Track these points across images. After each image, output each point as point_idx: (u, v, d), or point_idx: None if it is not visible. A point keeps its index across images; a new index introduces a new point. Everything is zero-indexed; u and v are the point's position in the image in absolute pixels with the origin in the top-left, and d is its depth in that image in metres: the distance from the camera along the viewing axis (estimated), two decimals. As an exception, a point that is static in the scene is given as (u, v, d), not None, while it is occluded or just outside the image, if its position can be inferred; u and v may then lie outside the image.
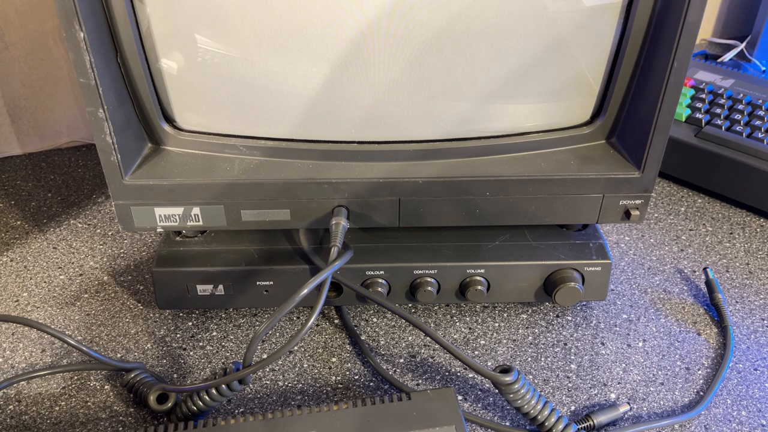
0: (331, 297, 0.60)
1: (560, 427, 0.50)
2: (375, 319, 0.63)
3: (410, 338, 0.61)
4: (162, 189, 0.54)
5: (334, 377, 0.57)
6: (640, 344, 0.60)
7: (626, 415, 0.54)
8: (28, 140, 0.87)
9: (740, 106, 0.82)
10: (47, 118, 0.86)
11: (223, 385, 0.51)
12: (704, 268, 0.66)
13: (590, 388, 0.56)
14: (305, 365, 0.58)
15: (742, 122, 0.79)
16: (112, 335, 0.61)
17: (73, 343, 0.55)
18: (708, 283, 0.65)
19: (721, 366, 0.57)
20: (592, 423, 0.52)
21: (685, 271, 0.69)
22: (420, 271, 0.59)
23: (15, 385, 0.55)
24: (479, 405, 0.55)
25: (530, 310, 0.64)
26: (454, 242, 0.61)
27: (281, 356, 0.55)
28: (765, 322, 0.63)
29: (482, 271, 0.59)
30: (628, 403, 0.54)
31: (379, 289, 0.59)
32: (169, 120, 0.55)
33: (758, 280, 0.68)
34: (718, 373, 0.56)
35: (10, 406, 0.54)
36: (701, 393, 0.55)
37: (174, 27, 0.49)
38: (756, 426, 0.53)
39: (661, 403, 0.55)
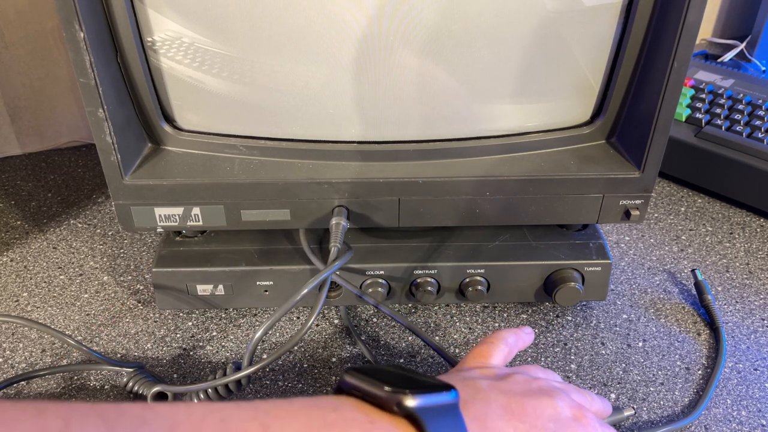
0: (331, 297, 0.60)
1: None
2: (375, 319, 0.63)
3: (410, 338, 0.61)
4: (162, 189, 0.54)
5: (334, 377, 0.57)
6: (640, 344, 0.60)
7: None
8: (28, 140, 0.87)
9: (740, 106, 0.82)
10: (47, 118, 0.86)
11: (223, 386, 0.51)
12: (692, 270, 0.66)
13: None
14: (305, 365, 0.58)
15: (742, 122, 0.79)
16: (112, 335, 0.61)
17: (73, 343, 0.55)
18: (697, 284, 0.65)
19: (715, 368, 0.57)
20: None
21: (686, 271, 0.69)
22: (420, 271, 0.59)
23: (15, 385, 0.55)
24: (479, 405, 0.55)
25: (530, 310, 0.64)
26: (454, 242, 0.61)
27: (281, 356, 0.55)
28: (765, 322, 0.63)
29: (482, 271, 0.59)
30: (633, 408, 0.54)
31: (379, 289, 0.59)
32: (169, 120, 0.55)
33: (758, 280, 0.68)
34: (713, 376, 0.56)
35: (10, 406, 0.54)
36: (701, 393, 0.55)
37: (174, 27, 0.49)
38: (756, 426, 0.53)
39: (661, 403, 0.55)
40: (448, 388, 0.34)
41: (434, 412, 0.32)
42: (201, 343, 0.60)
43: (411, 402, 0.31)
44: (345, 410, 0.32)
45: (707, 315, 0.63)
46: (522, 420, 0.37)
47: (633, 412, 0.53)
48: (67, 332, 0.61)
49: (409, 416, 0.31)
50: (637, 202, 0.58)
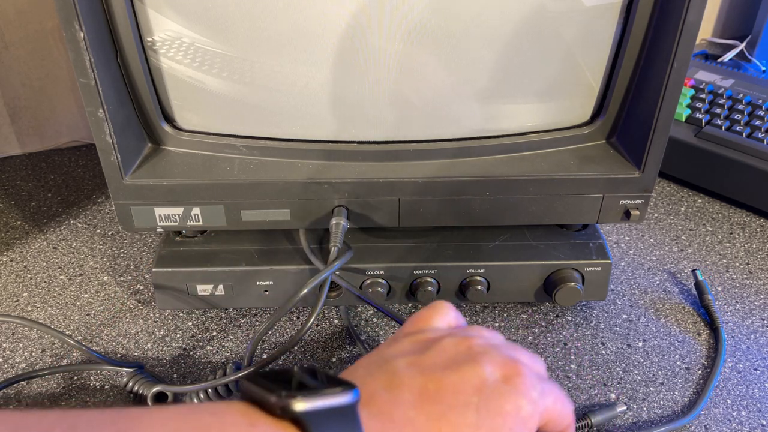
0: (331, 297, 0.60)
1: None
2: (375, 319, 0.63)
3: (410, 338, 0.61)
4: (162, 189, 0.54)
5: (334, 377, 0.57)
6: (640, 344, 0.60)
7: (625, 416, 0.53)
8: (28, 140, 0.87)
9: (740, 106, 0.82)
10: (47, 118, 0.86)
11: (223, 386, 0.51)
12: (692, 270, 0.66)
13: (590, 388, 0.56)
14: (305, 365, 0.58)
15: (742, 122, 0.79)
16: (112, 335, 0.61)
17: (73, 343, 0.55)
18: (697, 285, 0.65)
19: (713, 368, 0.57)
20: (589, 422, 0.52)
21: (686, 271, 0.69)
22: (420, 271, 0.59)
23: (15, 385, 0.55)
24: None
25: (530, 310, 0.64)
26: (454, 242, 0.61)
27: (281, 356, 0.55)
28: (765, 322, 0.63)
29: (482, 271, 0.59)
30: (626, 404, 0.54)
31: (379, 289, 0.59)
32: (169, 120, 0.55)
33: (758, 280, 0.68)
34: (711, 375, 0.56)
35: (10, 406, 0.54)
36: (701, 393, 0.55)
37: (174, 27, 0.49)
38: (756, 426, 0.53)
39: (661, 403, 0.55)
40: (349, 388, 0.32)
41: (323, 415, 0.30)
42: (201, 343, 0.60)
43: (298, 406, 0.30)
44: (227, 414, 0.31)
45: (707, 315, 0.63)
46: (437, 401, 0.33)
47: (625, 407, 0.53)
48: (67, 332, 0.61)
49: (295, 420, 0.30)
50: (637, 202, 0.58)
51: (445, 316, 0.42)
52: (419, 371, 0.35)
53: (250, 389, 0.32)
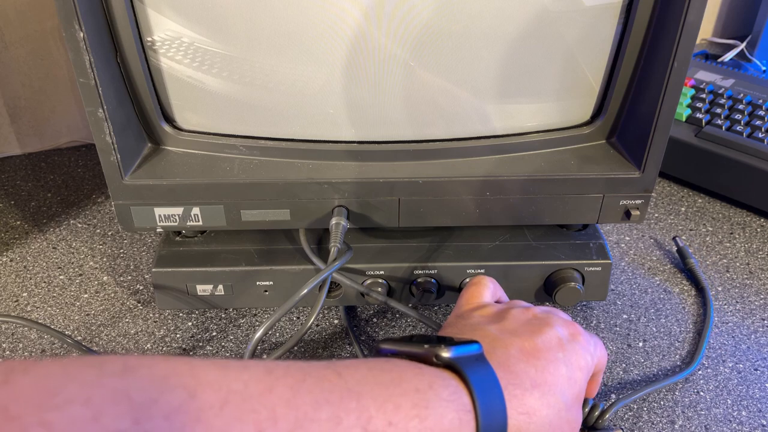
0: (331, 297, 0.60)
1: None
2: (375, 319, 0.63)
3: (410, 338, 0.61)
4: (162, 189, 0.54)
5: (334, 377, 0.57)
6: (640, 344, 0.60)
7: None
8: (28, 140, 0.87)
9: (740, 106, 0.82)
10: (47, 118, 0.86)
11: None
12: (673, 237, 0.70)
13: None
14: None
15: (742, 122, 0.79)
16: (112, 335, 0.61)
17: (73, 343, 0.55)
18: (679, 251, 0.69)
19: (705, 324, 0.61)
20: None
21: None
22: (420, 271, 0.59)
23: (15, 385, 0.55)
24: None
25: (530, 310, 0.64)
26: (454, 242, 0.61)
27: (281, 356, 0.55)
28: (765, 322, 0.63)
29: (482, 271, 0.59)
30: (622, 428, 0.52)
31: (379, 289, 0.59)
32: (169, 120, 0.55)
33: (758, 280, 0.68)
34: (703, 333, 0.60)
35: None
36: (701, 393, 0.55)
37: (174, 27, 0.49)
38: (756, 426, 0.53)
39: (662, 403, 0.55)
40: (471, 341, 0.37)
41: (467, 360, 0.36)
42: (201, 343, 0.60)
43: (447, 353, 0.36)
44: (396, 362, 0.36)
45: (692, 277, 0.67)
46: (538, 358, 0.39)
47: None
48: (66, 332, 0.61)
49: (448, 365, 0.36)
50: (638, 202, 0.58)
51: (488, 289, 0.49)
52: (512, 335, 0.41)
53: (394, 348, 0.38)
